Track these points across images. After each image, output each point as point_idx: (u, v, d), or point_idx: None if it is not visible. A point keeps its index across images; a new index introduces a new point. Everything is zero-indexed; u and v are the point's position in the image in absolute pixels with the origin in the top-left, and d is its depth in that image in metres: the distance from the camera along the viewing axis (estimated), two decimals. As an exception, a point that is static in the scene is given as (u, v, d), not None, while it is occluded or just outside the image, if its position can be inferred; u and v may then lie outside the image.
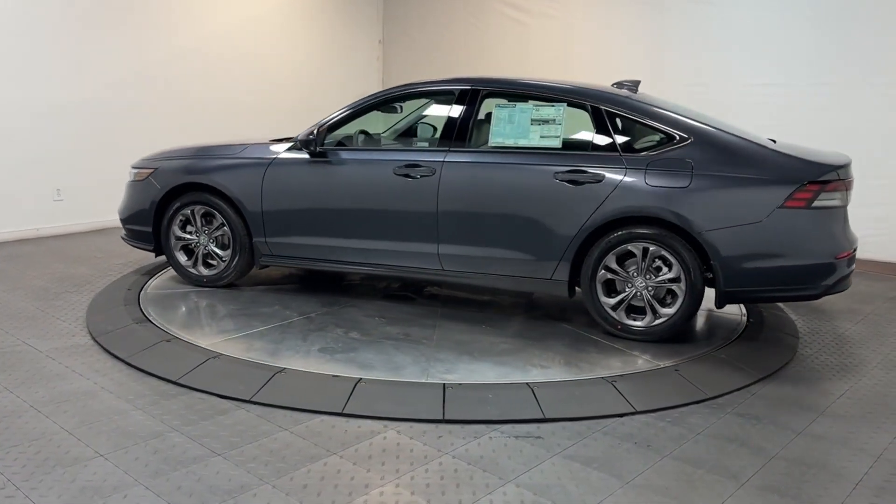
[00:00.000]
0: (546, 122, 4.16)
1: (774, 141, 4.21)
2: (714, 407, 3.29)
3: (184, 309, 4.55)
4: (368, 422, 3.04)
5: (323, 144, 4.53)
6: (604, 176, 3.93)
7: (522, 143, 4.18)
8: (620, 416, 3.16)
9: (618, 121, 4.10)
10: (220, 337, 3.98)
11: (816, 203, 3.67)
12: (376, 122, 5.23)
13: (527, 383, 3.39)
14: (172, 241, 4.93)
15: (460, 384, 3.38)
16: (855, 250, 3.91)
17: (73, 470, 2.61)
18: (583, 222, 3.96)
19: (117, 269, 5.53)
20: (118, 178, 7.26)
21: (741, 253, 3.74)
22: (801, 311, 4.84)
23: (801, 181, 3.67)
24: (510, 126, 4.22)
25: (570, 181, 3.98)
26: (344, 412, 3.11)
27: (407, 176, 4.30)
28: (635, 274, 3.96)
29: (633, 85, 4.59)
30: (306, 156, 4.55)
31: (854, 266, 3.94)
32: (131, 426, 2.95)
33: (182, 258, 4.95)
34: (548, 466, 2.71)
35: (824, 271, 3.75)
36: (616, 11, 7.51)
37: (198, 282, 4.93)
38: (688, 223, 3.77)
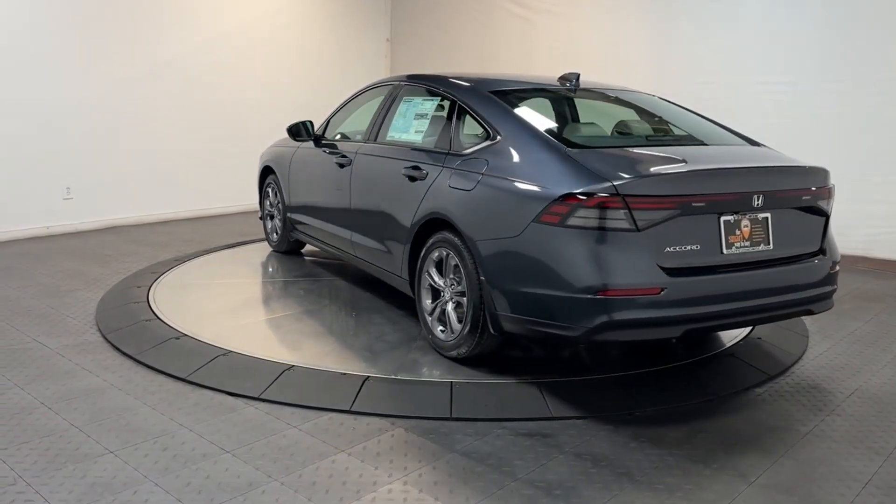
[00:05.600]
0: (422, 116, 4.18)
1: (758, 144, 3.84)
2: (722, 405, 3.28)
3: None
4: (376, 419, 3.05)
5: (303, 132, 5.16)
6: (427, 174, 3.76)
7: (404, 137, 4.23)
8: (629, 413, 3.16)
9: (464, 116, 3.85)
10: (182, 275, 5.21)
11: (573, 221, 2.95)
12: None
13: (517, 381, 3.41)
14: (264, 211, 6.15)
15: (467, 382, 3.39)
16: (662, 289, 2.93)
17: (84, 466, 2.62)
18: (410, 220, 3.84)
19: (127, 266, 5.56)
20: (127, 176, 7.35)
21: (501, 271, 3.25)
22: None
23: (562, 193, 3.00)
24: (402, 121, 4.31)
25: (409, 177, 3.90)
26: (352, 410, 3.12)
27: (340, 165, 4.70)
28: (445, 283, 3.66)
29: (570, 79, 4.06)
30: (311, 146, 5.18)
31: (691, 313, 3.01)
32: (141, 423, 2.97)
33: (268, 225, 6.13)
34: (555, 464, 2.71)
35: (582, 308, 2.94)
36: (622, 9, 7.49)
37: (271, 244, 6.12)
38: (467, 230, 3.41)
